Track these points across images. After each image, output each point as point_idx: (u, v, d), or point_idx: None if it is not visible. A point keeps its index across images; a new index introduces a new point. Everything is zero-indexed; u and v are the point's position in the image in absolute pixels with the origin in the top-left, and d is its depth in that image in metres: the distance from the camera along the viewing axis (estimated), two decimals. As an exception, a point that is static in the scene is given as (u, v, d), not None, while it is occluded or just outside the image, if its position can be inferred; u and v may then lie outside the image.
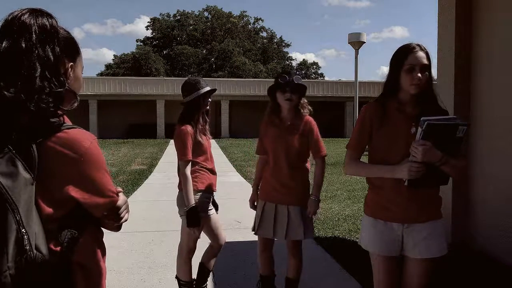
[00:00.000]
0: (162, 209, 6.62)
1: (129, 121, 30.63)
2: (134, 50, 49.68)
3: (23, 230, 1.00)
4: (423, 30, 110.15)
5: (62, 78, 1.14)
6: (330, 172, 11.55)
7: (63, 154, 1.11)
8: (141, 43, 53.69)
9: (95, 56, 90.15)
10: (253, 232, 3.05)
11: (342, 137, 29.65)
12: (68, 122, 1.16)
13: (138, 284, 3.72)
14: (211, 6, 54.37)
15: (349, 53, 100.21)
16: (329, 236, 5.20)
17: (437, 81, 4.83)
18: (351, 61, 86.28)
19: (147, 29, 54.30)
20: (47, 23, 1.14)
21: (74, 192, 1.13)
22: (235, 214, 6.19)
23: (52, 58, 1.12)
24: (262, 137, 3.07)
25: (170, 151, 16.86)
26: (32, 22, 1.11)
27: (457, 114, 4.41)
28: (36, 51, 1.10)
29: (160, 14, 54.99)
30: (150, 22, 54.10)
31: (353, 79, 21.93)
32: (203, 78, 3.10)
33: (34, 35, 1.10)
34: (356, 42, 18.71)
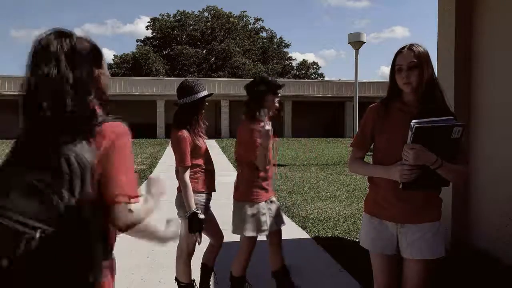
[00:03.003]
0: (162, 209, 6.61)
1: (129, 121, 30.43)
2: (134, 50, 49.70)
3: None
4: (423, 30, 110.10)
5: (92, 89, 1.33)
6: (330, 172, 11.55)
7: (104, 142, 1.28)
8: (141, 43, 53.68)
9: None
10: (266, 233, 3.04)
11: (342, 137, 29.67)
12: (103, 116, 1.34)
13: (138, 284, 3.72)
14: (211, 6, 54.36)
15: (349, 53, 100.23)
16: (329, 236, 5.20)
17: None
18: (351, 61, 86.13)
19: (147, 29, 54.33)
20: (72, 42, 1.29)
21: (105, 170, 1.27)
22: (235, 214, 6.18)
23: (83, 73, 1.29)
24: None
25: (170, 151, 16.78)
26: (60, 46, 1.27)
27: (457, 114, 4.43)
28: (68, 71, 1.26)
29: (160, 14, 54.91)
30: (150, 22, 54.10)
31: (353, 79, 21.91)
32: (202, 79, 3.15)
33: (63, 57, 1.26)
34: (356, 42, 18.68)
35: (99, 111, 1.33)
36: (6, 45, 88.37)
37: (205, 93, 3.02)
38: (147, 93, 29.10)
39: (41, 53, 1.26)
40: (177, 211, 3.06)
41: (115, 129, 1.32)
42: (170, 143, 3.12)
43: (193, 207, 2.86)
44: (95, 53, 1.36)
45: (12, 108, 28.61)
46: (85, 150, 1.23)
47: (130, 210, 1.28)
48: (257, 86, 2.99)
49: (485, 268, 3.91)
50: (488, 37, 4.29)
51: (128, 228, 1.31)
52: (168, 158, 15.11)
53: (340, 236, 5.21)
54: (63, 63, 1.25)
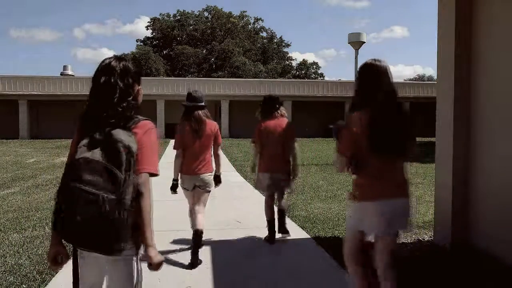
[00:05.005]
0: (163, 209, 6.59)
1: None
2: (134, 50, 49.65)
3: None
4: (423, 30, 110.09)
5: (132, 96, 1.91)
6: (330, 172, 11.55)
7: (141, 133, 1.86)
8: (141, 43, 53.65)
9: (95, 56, 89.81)
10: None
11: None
12: (139, 116, 1.92)
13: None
14: (211, 6, 54.36)
15: (349, 53, 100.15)
16: (329, 236, 5.20)
17: (437, 81, 4.84)
18: (351, 61, 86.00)
19: (147, 29, 54.31)
20: (126, 64, 1.90)
21: (141, 151, 1.82)
22: (235, 214, 6.17)
23: (128, 86, 1.89)
24: None
25: (170, 151, 16.71)
26: (116, 65, 1.88)
27: (457, 114, 4.44)
28: (120, 83, 1.86)
29: (160, 14, 54.90)
30: (150, 22, 54.08)
31: (353, 79, 21.91)
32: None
33: (118, 72, 1.87)
34: (356, 42, 18.68)
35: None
36: (6, 45, 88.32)
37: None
38: (147, 93, 29.05)
39: (103, 68, 1.88)
40: (210, 185, 4.40)
41: (147, 125, 1.91)
42: (199, 129, 4.38)
43: None
44: (138, 73, 1.97)
45: (12, 108, 28.62)
46: (131, 140, 1.79)
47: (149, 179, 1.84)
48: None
49: (485, 268, 3.91)
50: (488, 37, 4.29)
51: (144, 188, 1.79)
52: (168, 158, 15.06)
53: (340, 236, 5.20)
54: (116, 75, 1.85)
